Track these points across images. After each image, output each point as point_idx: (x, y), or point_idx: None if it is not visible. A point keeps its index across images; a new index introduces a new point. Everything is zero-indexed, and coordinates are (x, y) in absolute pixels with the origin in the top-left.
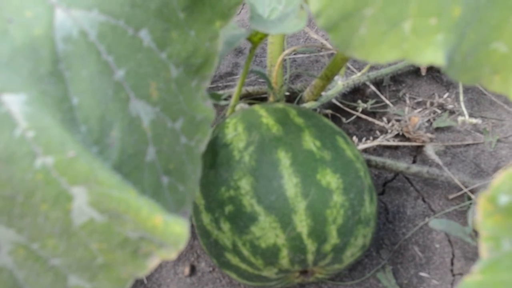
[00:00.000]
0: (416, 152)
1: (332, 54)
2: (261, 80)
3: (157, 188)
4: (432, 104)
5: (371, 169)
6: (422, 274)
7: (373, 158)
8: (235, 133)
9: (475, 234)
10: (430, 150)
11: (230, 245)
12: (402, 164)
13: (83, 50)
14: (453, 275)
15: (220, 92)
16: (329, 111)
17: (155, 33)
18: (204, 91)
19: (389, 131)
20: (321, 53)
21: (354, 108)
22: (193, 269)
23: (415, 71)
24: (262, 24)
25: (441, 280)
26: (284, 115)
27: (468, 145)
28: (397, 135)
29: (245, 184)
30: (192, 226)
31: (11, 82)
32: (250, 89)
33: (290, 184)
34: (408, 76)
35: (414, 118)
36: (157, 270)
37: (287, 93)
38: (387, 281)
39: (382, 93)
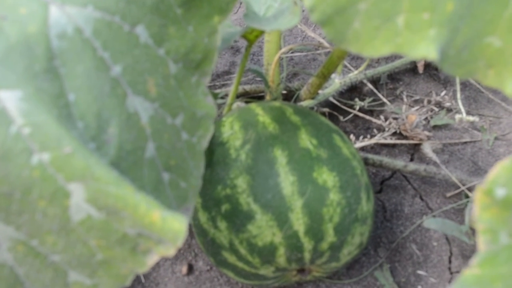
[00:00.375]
0: (414, 150)
1: (329, 52)
2: (258, 78)
3: (158, 185)
4: (429, 102)
5: (369, 167)
6: (420, 272)
7: (371, 156)
8: (231, 131)
9: (472, 232)
10: (427, 148)
11: (227, 243)
12: (399, 162)
13: (79, 46)
14: (451, 273)
15: (218, 90)
16: (326, 109)
17: (152, 29)
18: (205, 87)
19: (387, 129)
20: (318, 51)
21: (352, 106)
22: (190, 268)
23: (412, 69)
24: (257, 21)
25: (439, 278)
26: (280, 113)
27: (465, 143)
28: (394, 133)
29: (241, 183)
30: (189, 224)
31: (6, 79)
32: (247, 87)
33: (287, 182)
34: (405, 74)
35: (412, 116)
36: (155, 269)
37: (284, 92)
38: (385, 279)
39: (379, 91)
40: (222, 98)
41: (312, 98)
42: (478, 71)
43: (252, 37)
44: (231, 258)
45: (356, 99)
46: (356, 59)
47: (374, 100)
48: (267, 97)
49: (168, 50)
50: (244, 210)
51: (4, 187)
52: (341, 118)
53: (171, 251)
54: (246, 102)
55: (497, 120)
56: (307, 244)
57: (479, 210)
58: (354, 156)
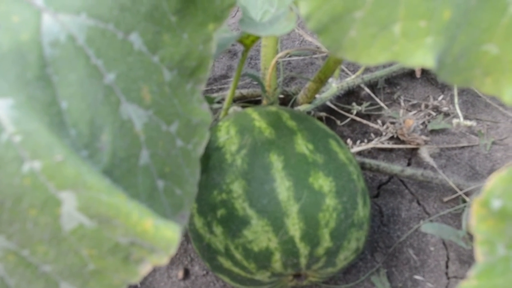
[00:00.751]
0: (411, 155)
1: (326, 56)
2: (255, 82)
3: (152, 192)
4: (426, 106)
5: (366, 171)
6: (417, 277)
7: (368, 160)
8: (227, 136)
9: (469, 237)
10: (424, 153)
11: (223, 248)
12: (396, 167)
13: (72, 54)
14: (448, 278)
15: (215, 94)
16: (323, 114)
17: (146, 37)
18: (200, 94)
19: (384, 133)
20: (316, 56)
21: (349, 111)
22: (186, 273)
23: (409, 74)
24: (253, 27)
25: (435, 283)
26: (276, 118)
27: (463, 147)
28: (391, 138)
29: (237, 188)
30: (186, 229)
31: None
32: (244, 91)
33: (283, 187)
34: (402, 79)
35: (409, 121)
36: (151, 273)
37: (281, 96)
38: (382, 284)
39: (376, 96)
40: (218, 102)
41: (309, 103)
42: (475, 79)
43: (248, 42)
44: (227, 263)
45: (354, 104)
46: (353, 64)
47: (371, 105)
48: (264, 102)
49: (162, 58)
50: (239, 215)
51: None
52: (338, 122)
53: (163, 260)
54: (243, 107)
55: (494, 124)
56: (303, 250)
57: (476, 222)
58: (350, 161)
